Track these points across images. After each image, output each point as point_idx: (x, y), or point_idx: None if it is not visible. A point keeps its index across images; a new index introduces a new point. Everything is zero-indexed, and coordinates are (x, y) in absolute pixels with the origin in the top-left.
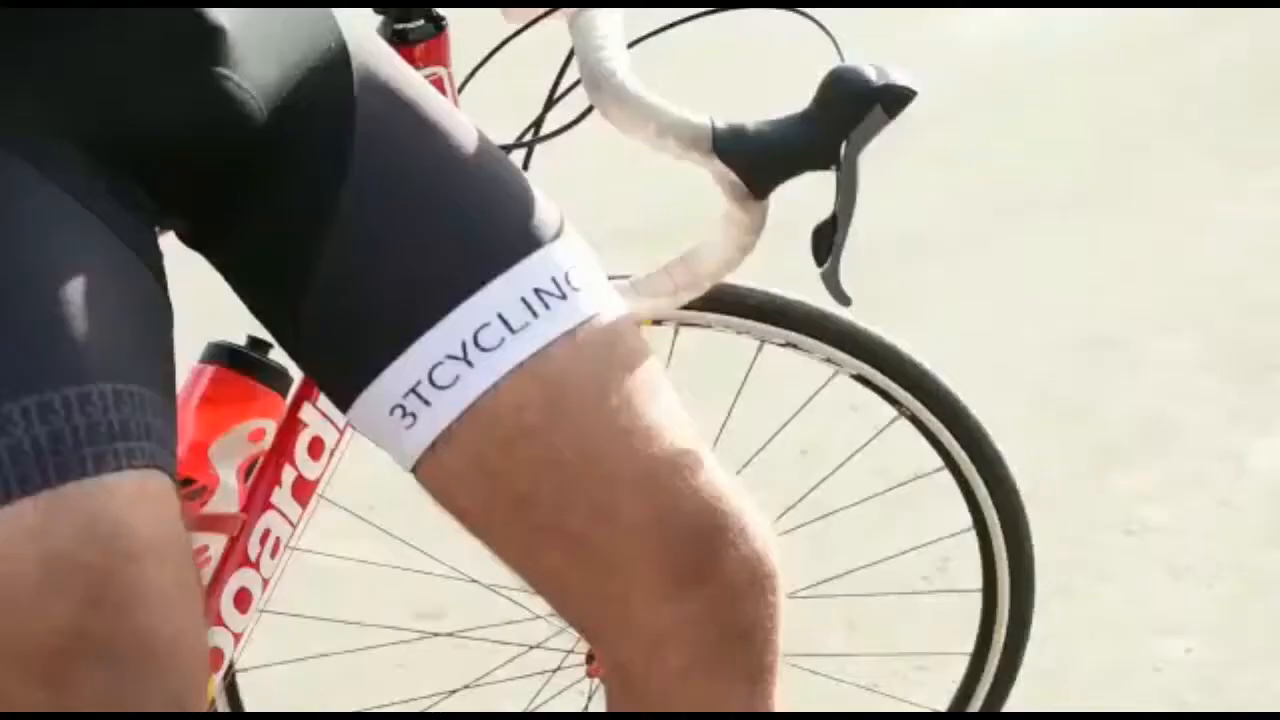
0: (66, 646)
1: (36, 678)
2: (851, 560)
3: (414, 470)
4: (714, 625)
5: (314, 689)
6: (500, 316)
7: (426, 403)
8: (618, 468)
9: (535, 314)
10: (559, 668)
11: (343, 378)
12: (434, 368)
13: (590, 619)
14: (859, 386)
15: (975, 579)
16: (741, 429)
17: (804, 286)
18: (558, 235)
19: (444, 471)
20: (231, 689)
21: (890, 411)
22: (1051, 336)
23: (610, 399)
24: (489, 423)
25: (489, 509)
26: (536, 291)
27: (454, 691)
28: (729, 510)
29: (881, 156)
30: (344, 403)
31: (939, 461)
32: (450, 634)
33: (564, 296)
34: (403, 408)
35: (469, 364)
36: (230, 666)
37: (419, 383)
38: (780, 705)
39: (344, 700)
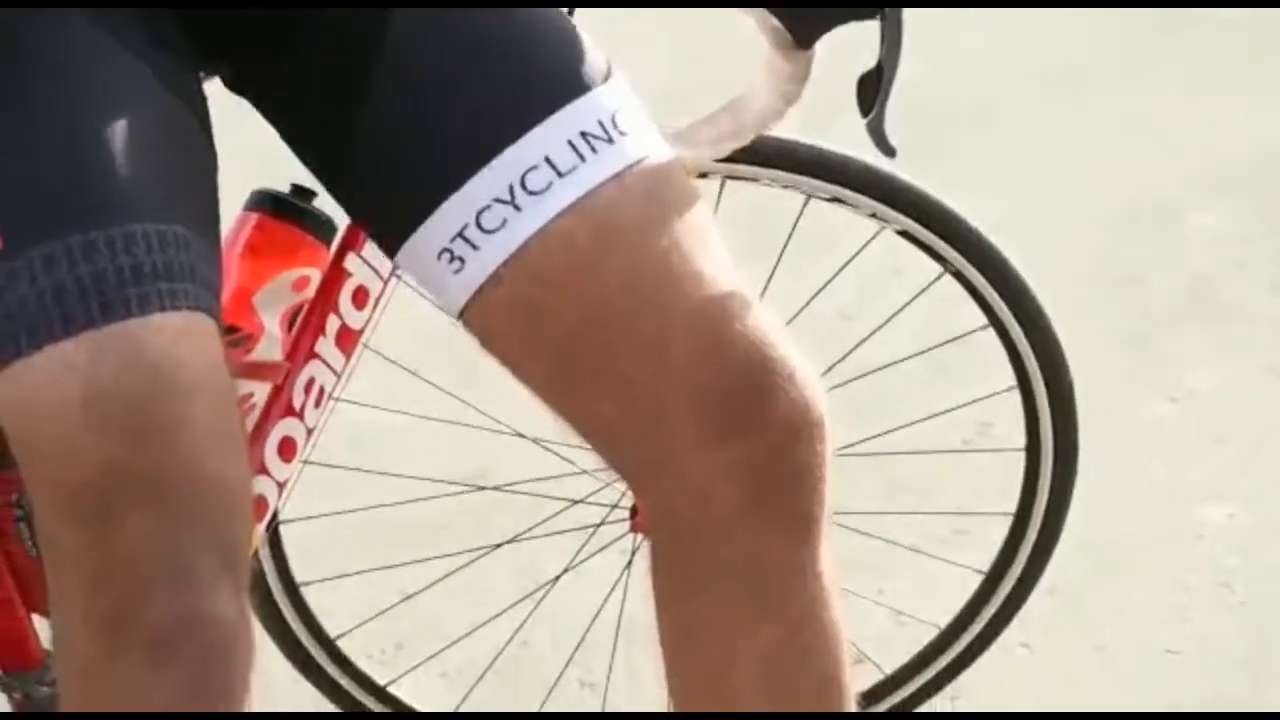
0: (110, 484)
1: (81, 518)
2: (892, 422)
3: (460, 315)
4: (761, 472)
5: (354, 544)
6: (547, 160)
7: (474, 247)
8: (666, 309)
9: (582, 157)
10: (602, 523)
11: (390, 222)
12: (481, 211)
13: (637, 463)
14: (903, 248)
15: (1015, 445)
16: (784, 289)
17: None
18: (605, 79)
19: (491, 315)
20: (275, 540)
21: (933, 273)
22: (1098, 203)
23: (659, 241)
24: (536, 266)
25: (536, 352)
26: (583, 135)
27: (496, 546)
28: (777, 355)
29: (933, 17)
30: (391, 248)
31: (982, 321)
32: (494, 488)
33: (611, 140)
34: (450, 252)
35: (516, 208)
36: (274, 517)
37: (466, 226)
38: (828, 560)
39: (384, 555)
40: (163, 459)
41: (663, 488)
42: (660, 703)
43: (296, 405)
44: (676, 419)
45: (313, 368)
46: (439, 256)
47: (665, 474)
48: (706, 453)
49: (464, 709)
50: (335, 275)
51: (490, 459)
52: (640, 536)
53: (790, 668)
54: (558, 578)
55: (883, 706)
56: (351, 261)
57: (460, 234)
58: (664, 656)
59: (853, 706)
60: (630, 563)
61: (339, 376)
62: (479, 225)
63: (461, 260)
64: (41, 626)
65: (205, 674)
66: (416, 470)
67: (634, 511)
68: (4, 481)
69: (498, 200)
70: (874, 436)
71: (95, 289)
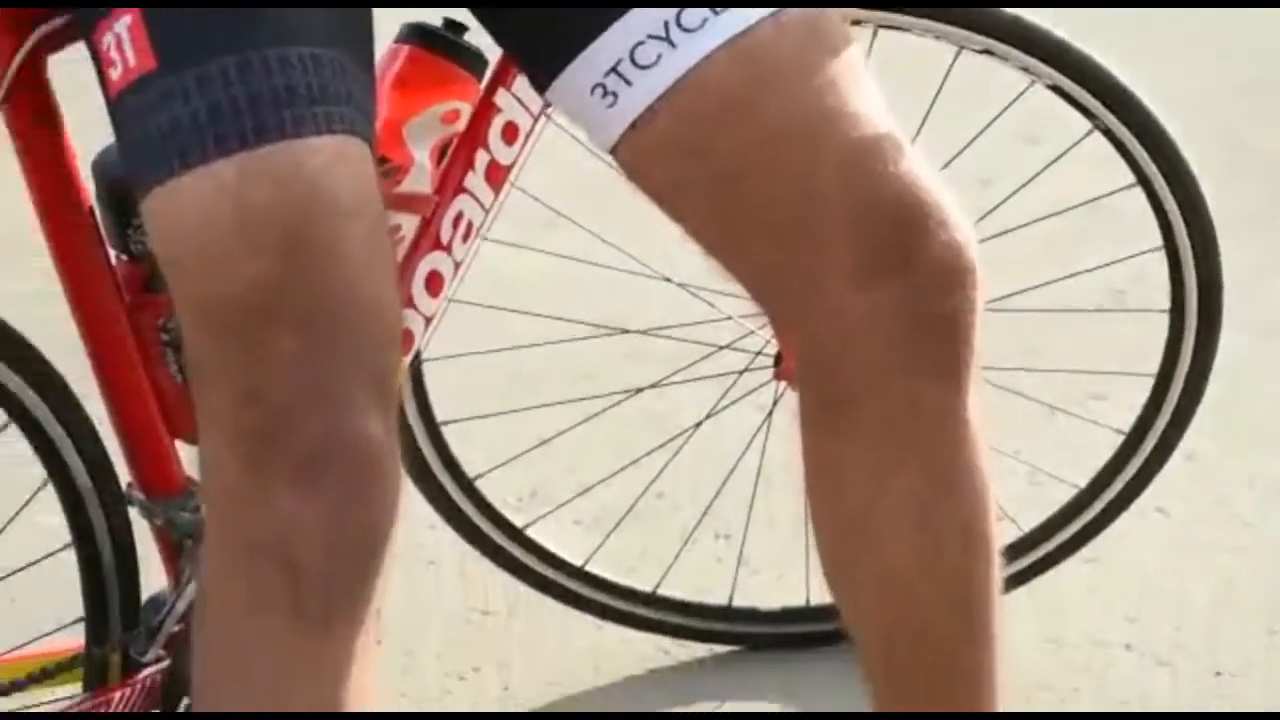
0: (261, 304)
1: (230, 337)
2: (1030, 283)
3: (613, 151)
4: (912, 316)
5: (493, 386)
6: None
7: (628, 82)
8: (821, 148)
9: None
10: (746, 369)
11: (543, 56)
12: (635, 46)
13: (788, 302)
14: (1046, 113)
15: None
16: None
17: None
18: None
19: (645, 150)
20: (417, 379)
21: (1077, 132)
22: (1241, 79)
23: (815, 79)
24: (691, 101)
25: (688, 190)
26: None
27: (639, 390)
28: (932, 200)
29: None
30: (543, 82)
31: (1129, 180)
32: (638, 331)
33: None
34: (603, 87)
35: (671, 44)
36: (417, 355)
37: (620, 61)
38: (976, 409)
39: (521, 399)
40: (316, 280)
41: (814, 328)
42: (795, 553)
43: (444, 239)
44: (830, 259)
45: (461, 202)
46: (592, 92)
47: (817, 314)
48: (859, 293)
49: (600, 557)
50: (485, 110)
51: (632, 304)
52: (783, 385)
53: (936, 510)
54: (699, 424)
55: (1020, 564)
56: (502, 97)
57: (614, 69)
58: (809, 500)
59: (997, 556)
60: (771, 412)
61: (487, 212)
62: (633, 61)
63: (615, 96)
64: (184, 453)
65: (354, 496)
66: (560, 311)
67: (778, 359)
68: (152, 305)
69: (652, 36)
70: (1013, 294)
71: (250, 110)
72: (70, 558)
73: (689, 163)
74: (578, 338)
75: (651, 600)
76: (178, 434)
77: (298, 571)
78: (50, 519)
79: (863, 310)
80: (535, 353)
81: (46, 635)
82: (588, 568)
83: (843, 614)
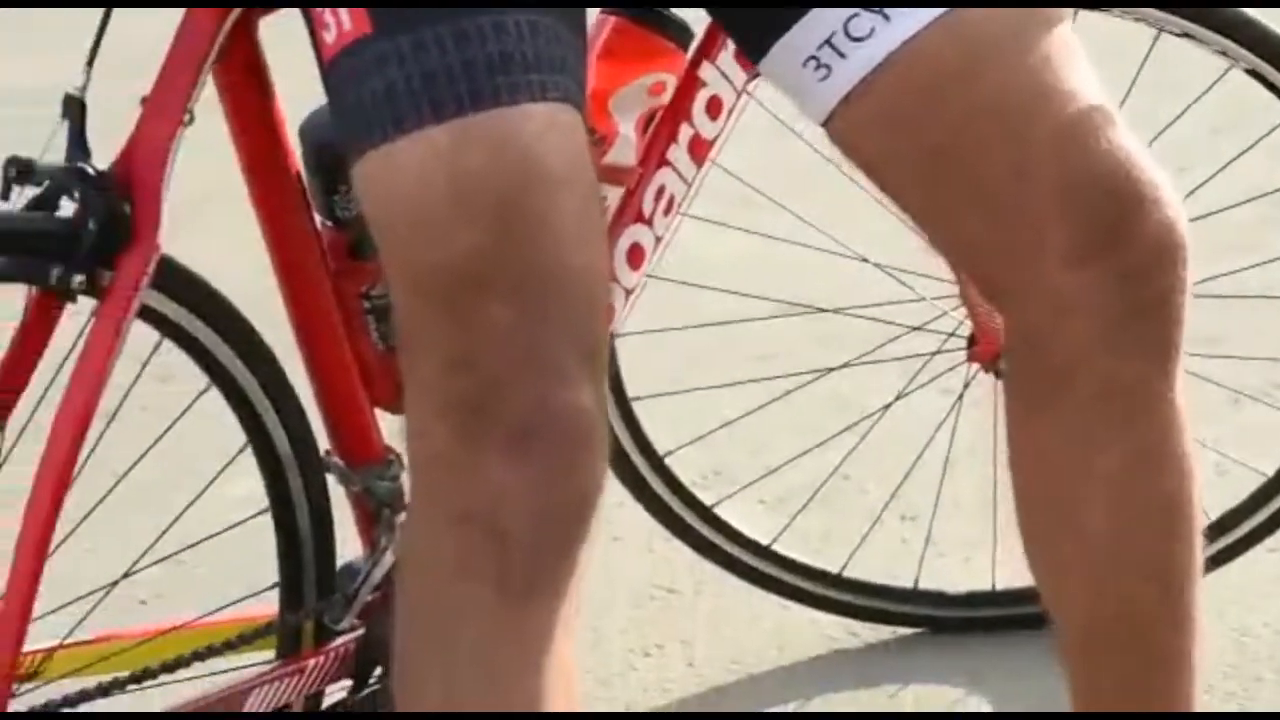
0: (474, 271)
1: (442, 304)
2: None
3: (825, 123)
4: (1124, 295)
5: (675, 363)
6: None
7: (841, 55)
8: (1034, 124)
9: None
10: (938, 351)
11: (755, 29)
12: (849, 20)
13: (998, 276)
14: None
15: None
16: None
17: None
18: None
19: (858, 124)
20: (610, 353)
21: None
22: None
23: (1029, 55)
24: (906, 74)
25: (901, 160)
26: None
27: (829, 370)
28: (1144, 177)
29: None
30: (755, 54)
31: None
32: (832, 310)
33: None
34: (816, 59)
35: (885, 17)
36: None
37: (833, 34)
38: (1181, 390)
39: (705, 375)
40: (528, 249)
41: (1024, 305)
42: (982, 536)
43: (646, 212)
44: (1042, 236)
45: (664, 175)
46: (805, 64)
47: (1028, 291)
48: (1071, 270)
49: (785, 537)
50: (690, 83)
51: (824, 285)
52: (975, 367)
53: (1141, 489)
54: (887, 406)
55: (1206, 552)
56: (706, 70)
57: (827, 42)
58: (1013, 477)
59: (1199, 539)
60: (961, 395)
61: (689, 186)
62: (847, 33)
63: (828, 68)
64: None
65: (564, 466)
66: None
67: (971, 341)
68: (356, 272)
69: (866, 7)
70: (1229, 273)
71: (465, 76)
72: (262, 525)
73: (901, 136)
74: (768, 316)
75: (838, 581)
76: (378, 402)
77: (506, 540)
78: (237, 489)
79: (1075, 288)
80: (721, 331)
81: (239, 601)
82: (774, 548)
83: (1042, 593)
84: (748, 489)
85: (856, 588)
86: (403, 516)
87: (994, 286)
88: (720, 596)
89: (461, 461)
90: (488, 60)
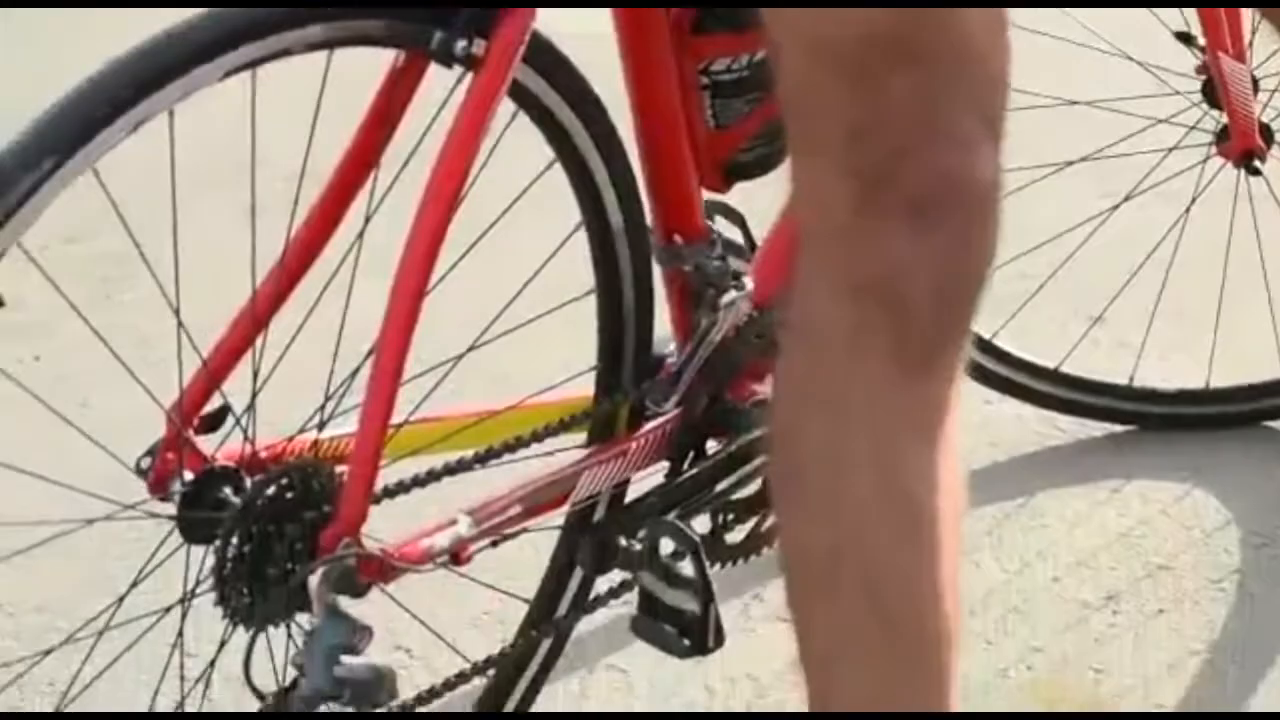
0: (878, 46)
1: (843, 74)
2: None
3: None
4: None
5: None
6: None
7: None
8: None
9: None
10: (1177, 146)
11: None
12: None
13: None
14: None
15: None
16: None
17: None
18: None
19: None
20: None
21: None
22: None
23: None
24: None
25: None
26: None
27: (1068, 164)
28: None
29: None
30: None
31: None
32: (1086, 103)
33: None
34: None
35: None
36: None
37: None
38: None
39: None
40: (932, 18)
41: None
42: (1199, 336)
43: None
44: None
45: None
46: None
47: None
48: None
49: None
50: None
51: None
52: (1223, 162)
53: None
54: (1129, 197)
55: None
56: None
57: None
58: None
59: None
60: (1196, 196)
61: None
62: None
63: None
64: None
65: (964, 238)
66: None
67: (1221, 135)
68: (696, 48)
69: None
70: None
71: None
72: (575, 312)
73: None
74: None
75: (1053, 376)
76: (705, 182)
77: (903, 312)
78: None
79: None
80: None
81: (554, 387)
82: (993, 340)
83: None
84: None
85: (1072, 383)
86: (727, 296)
87: None
88: None
89: (861, 231)
90: None
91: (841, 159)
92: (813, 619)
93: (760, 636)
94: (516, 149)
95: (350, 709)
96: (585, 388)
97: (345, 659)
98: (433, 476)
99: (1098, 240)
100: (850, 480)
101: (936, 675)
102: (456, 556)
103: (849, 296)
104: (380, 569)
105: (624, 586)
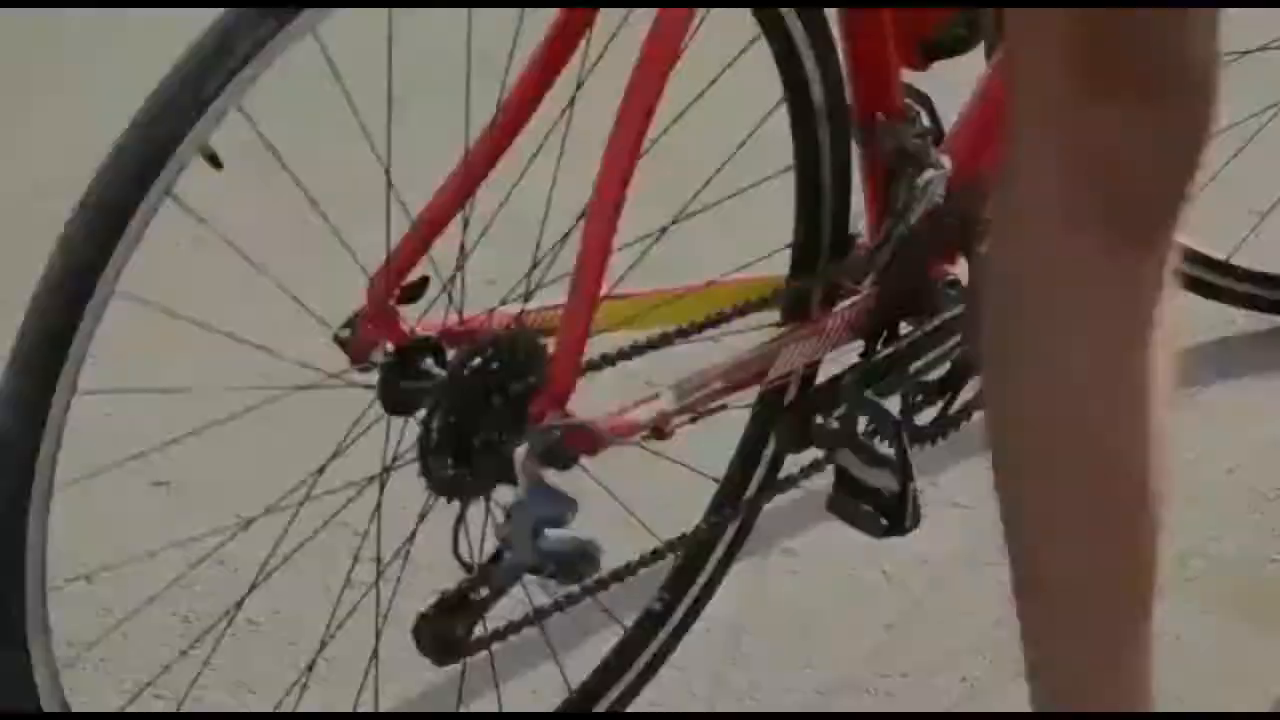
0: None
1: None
2: None
3: None
4: None
5: None
6: None
7: None
8: None
9: None
10: None
11: None
12: None
13: None
14: None
15: None
16: None
17: None
18: None
19: None
20: None
21: None
22: None
23: None
24: None
25: None
26: None
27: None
28: None
29: None
30: None
31: None
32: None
33: None
34: None
35: None
36: None
37: None
38: None
39: None
40: None
41: None
42: None
43: None
44: None
45: None
46: None
47: None
48: None
49: None
50: None
51: None
52: None
53: None
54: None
55: None
56: None
57: None
58: None
59: None
60: None
61: None
62: None
63: None
64: None
65: (1185, 119)
66: None
67: None
68: None
69: None
70: None
71: None
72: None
73: None
74: None
75: (1225, 268)
76: (904, 61)
77: (1122, 191)
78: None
79: None
80: None
81: (748, 265)
82: None
83: None
84: None
85: (1243, 275)
86: (925, 175)
87: None
88: None
89: (1080, 110)
90: None
91: (1062, 40)
92: (1023, 496)
93: (934, 521)
94: (722, 22)
95: (553, 580)
96: (778, 269)
97: (550, 532)
98: (636, 350)
99: (1266, 135)
100: (1067, 359)
101: (1147, 559)
102: (659, 431)
103: (1068, 176)
104: (589, 441)
105: (813, 467)
